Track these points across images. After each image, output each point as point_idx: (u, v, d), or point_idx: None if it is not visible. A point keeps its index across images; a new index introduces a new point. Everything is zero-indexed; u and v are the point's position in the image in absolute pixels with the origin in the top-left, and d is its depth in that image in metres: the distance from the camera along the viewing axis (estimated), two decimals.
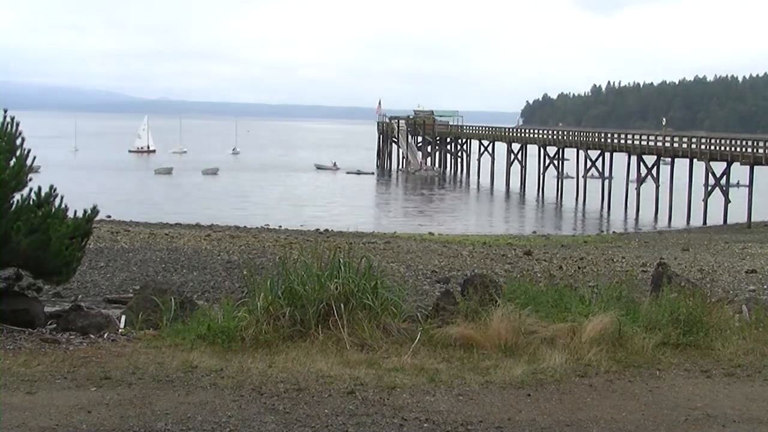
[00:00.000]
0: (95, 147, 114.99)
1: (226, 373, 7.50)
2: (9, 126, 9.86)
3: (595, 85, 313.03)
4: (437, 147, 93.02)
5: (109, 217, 37.20)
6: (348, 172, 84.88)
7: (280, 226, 38.74)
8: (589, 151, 63.87)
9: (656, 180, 54.11)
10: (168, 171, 75.92)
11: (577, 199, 62.05)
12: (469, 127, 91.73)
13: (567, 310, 9.23)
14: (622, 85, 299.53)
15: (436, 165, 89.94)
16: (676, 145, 55.47)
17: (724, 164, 49.23)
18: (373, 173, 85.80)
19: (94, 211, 10.27)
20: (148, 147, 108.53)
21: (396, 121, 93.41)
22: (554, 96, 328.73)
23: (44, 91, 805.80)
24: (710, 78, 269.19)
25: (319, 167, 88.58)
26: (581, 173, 63.64)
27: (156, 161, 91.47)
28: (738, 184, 55.59)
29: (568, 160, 68.05)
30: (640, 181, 55.20)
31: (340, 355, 8.09)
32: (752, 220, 45.48)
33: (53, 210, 9.70)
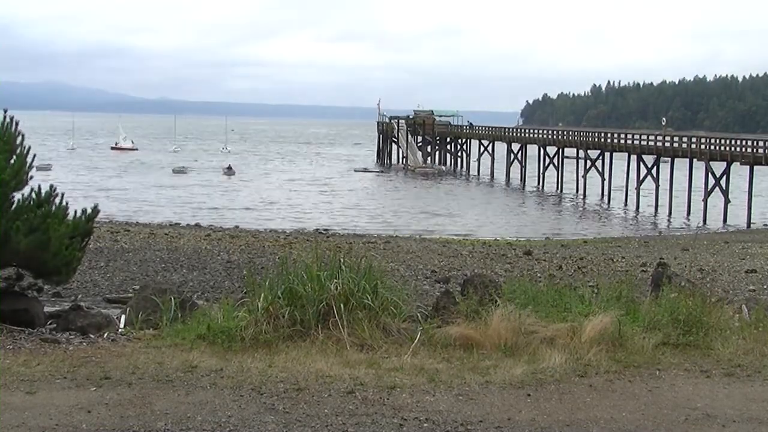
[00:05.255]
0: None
1: (226, 373, 7.50)
2: (9, 125, 9.86)
3: (595, 85, 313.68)
4: (437, 147, 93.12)
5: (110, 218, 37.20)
6: (356, 170, 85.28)
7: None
8: (589, 151, 63.96)
9: (656, 180, 54.09)
10: (183, 170, 76.19)
11: (576, 194, 62.15)
12: (469, 126, 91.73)
13: (567, 310, 9.23)
14: (622, 85, 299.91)
15: (436, 163, 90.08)
16: (676, 145, 55.48)
17: (724, 164, 49.19)
18: (382, 171, 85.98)
19: (95, 210, 10.26)
20: (130, 146, 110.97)
21: (396, 120, 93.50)
22: (554, 96, 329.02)
23: (41, 90, 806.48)
24: (710, 78, 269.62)
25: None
26: (581, 173, 63.69)
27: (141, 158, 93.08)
28: None
29: (572, 158, 67.95)
30: (640, 181, 55.20)
31: (340, 355, 8.10)
32: (752, 223, 45.47)
33: (53, 209, 9.69)
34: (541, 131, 78.26)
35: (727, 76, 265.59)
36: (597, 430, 6.45)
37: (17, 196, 9.70)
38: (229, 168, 77.39)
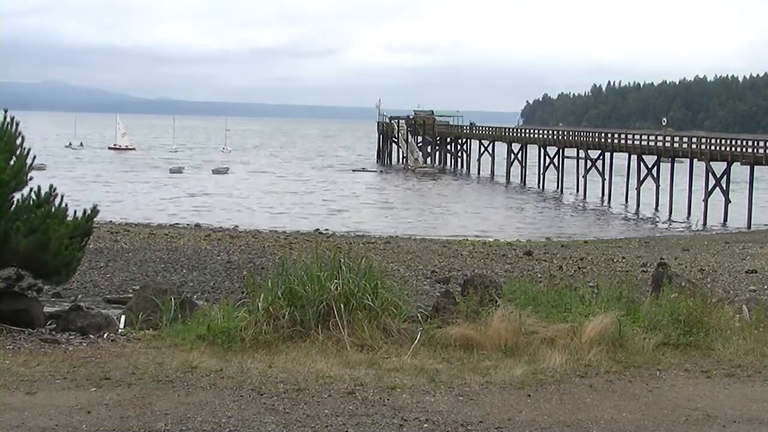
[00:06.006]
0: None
1: (226, 374, 7.50)
2: (9, 126, 9.86)
3: (595, 85, 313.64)
4: (437, 147, 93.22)
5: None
6: (354, 170, 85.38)
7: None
8: (589, 151, 64.02)
9: (656, 180, 54.08)
10: (180, 170, 76.15)
11: (577, 194, 62.20)
12: (471, 127, 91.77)
13: (567, 310, 9.22)
14: (622, 85, 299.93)
15: (437, 163, 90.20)
16: (676, 145, 55.48)
17: (724, 164, 49.18)
18: (381, 171, 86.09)
19: (94, 210, 10.26)
20: (128, 146, 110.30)
21: (396, 121, 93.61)
22: (554, 96, 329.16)
23: (41, 90, 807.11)
24: (710, 78, 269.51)
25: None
26: (581, 173, 63.74)
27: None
28: None
29: (572, 158, 68.02)
30: (641, 181, 55.21)
31: (340, 356, 8.09)
32: (752, 223, 45.48)
33: (53, 210, 9.69)
34: (541, 131, 78.27)
35: (727, 76, 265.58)
36: (597, 431, 6.45)
37: (17, 196, 9.70)
38: (223, 167, 77.58)
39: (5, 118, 9.90)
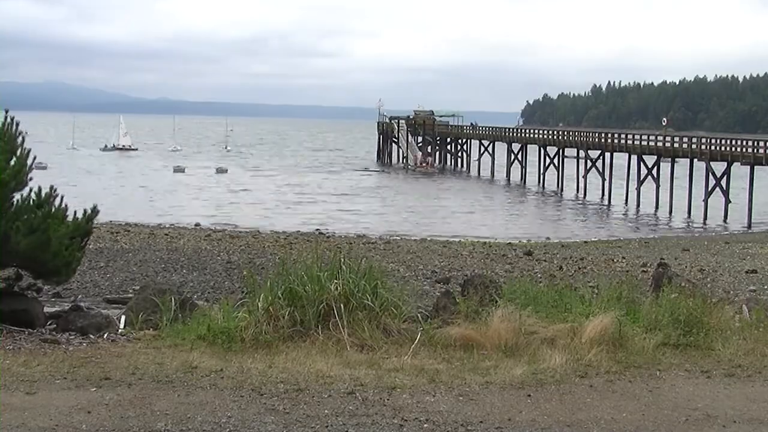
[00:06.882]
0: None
1: (226, 374, 7.50)
2: (9, 126, 9.85)
3: (595, 85, 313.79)
4: (437, 147, 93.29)
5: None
6: (355, 170, 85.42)
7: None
8: (589, 151, 64.04)
9: (656, 180, 54.08)
10: (182, 169, 76.21)
11: (577, 194, 62.21)
12: (472, 127, 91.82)
13: (567, 310, 9.23)
14: (622, 85, 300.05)
15: (437, 163, 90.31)
16: (676, 145, 55.49)
17: (724, 164, 49.18)
18: (382, 170, 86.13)
19: (94, 210, 10.26)
20: (130, 146, 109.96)
21: (396, 120, 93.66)
22: (554, 96, 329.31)
23: (40, 90, 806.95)
24: (710, 78, 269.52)
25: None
26: (581, 173, 63.76)
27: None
28: None
29: (572, 158, 68.05)
30: (641, 181, 55.22)
31: (340, 356, 8.10)
32: (752, 223, 45.48)
33: (53, 210, 9.69)
34: (541, 131, 78.31)
35: (727, 76, 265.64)
36: (597, 431, 6.45)
37: (17, 196, 9.70)
38: (223, 167, 77.88)
39: (5, 118, 9.90)
